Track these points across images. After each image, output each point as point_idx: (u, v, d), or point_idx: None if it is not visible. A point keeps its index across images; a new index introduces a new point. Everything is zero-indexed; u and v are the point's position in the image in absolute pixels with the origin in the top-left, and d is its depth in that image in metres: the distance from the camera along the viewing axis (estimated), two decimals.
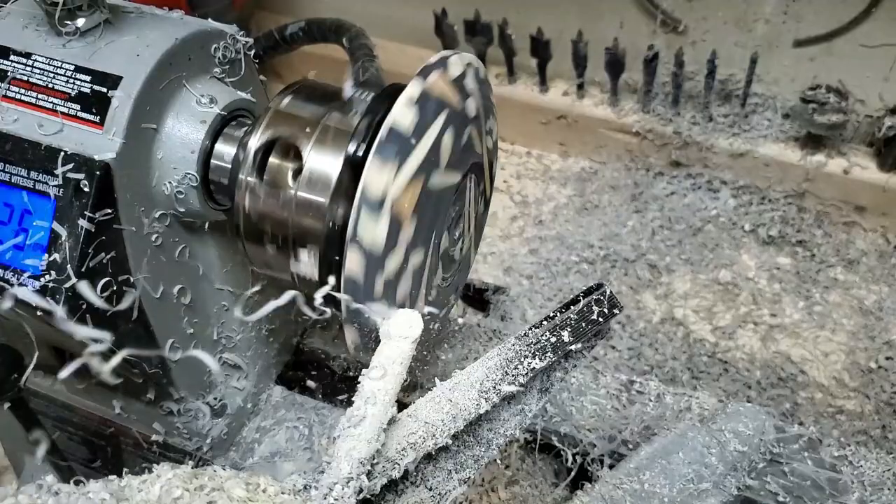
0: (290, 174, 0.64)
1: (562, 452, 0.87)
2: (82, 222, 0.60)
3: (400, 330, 0.57)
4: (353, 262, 0.59)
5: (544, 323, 0.64)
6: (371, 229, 0.59)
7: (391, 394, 0.54)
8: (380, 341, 0.59)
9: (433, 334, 0.77)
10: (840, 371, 1.42)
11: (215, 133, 0.68)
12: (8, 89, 0.64)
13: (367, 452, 0.52)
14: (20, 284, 0.61)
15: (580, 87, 1.78)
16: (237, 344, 0.84)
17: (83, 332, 0.54)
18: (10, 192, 0.62)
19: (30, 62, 0.64)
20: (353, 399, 0.54)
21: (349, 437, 0.52)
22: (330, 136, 0.64)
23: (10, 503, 0.45)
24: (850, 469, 0.81)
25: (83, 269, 0.61)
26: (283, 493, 0.50)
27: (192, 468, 0.49)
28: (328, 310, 0.58)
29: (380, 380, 0.54)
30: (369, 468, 0.52)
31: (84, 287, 0.60)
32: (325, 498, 0.50)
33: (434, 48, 1.79)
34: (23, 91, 0.64)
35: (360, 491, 0.51)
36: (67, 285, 0.60)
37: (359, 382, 0.55)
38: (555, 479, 0.93)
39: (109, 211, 0.62)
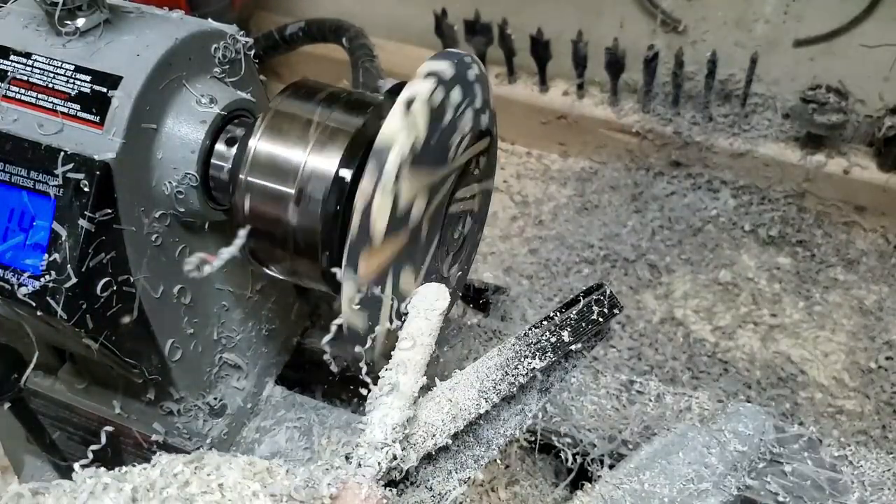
0: (290, 173, 0.64)
1: (562, 452, 0.87)
2: (82, 222, 0.60)
3: (427, 302, 0.57)
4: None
5: (544, 323, 0.63)
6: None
7: (421, 364, 0.55)
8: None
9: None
10: (840, 371, 1.42)
11: (215, 133, 0.68)
12: (8, 89, 0.64)
13: (399, 419, 0.52)
14: (20, 284, 0.61)
15: (580, 87, 1.78)
16: (237, 344, 0.84)
17: None
18: (10, 192, 0.62)
19: (30, 62, 0.64)
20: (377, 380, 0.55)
21: (382, 405, 0.53)
22: (330, 136, 0.64)
23: (15, 490, 0.46)
24: (850, 469, 0.81)
25: (83, 269, 0.61)
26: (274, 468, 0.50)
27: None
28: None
29: (410, 350, 0.54)
30: (402, 435, 0.53)
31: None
32: (359, 464, 0.50)
33: (434, 48, 1.79)
34: (23, 91, 0.64)
35: (394, 458, 0.52)
36: (67, 285, 0.60)
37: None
38: (555, 479, 0.93)
39: (109, 211, 0.62)
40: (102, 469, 0.48)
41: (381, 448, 0.51)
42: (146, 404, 0.81)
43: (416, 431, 0.57)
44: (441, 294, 0.58)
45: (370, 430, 0.52)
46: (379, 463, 0.51)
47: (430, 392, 0.60)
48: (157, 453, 0.50)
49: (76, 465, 0.48)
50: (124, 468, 0.49)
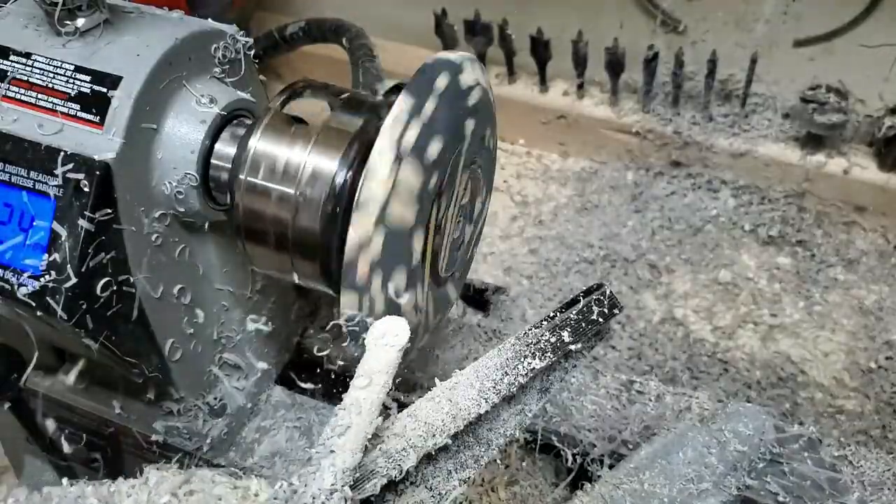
0: (290, 173, 0.64)
1: (562, 452, 0.87)
2: (82, 222, 0.60)
3: (386, 338, 0.56)
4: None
5: (544, 323, 0.64)
6: None
7: (376, 403, 0.53)
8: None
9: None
10: (840, 371, 1.42)
11: (215, 133, 0.68)
12: (8, 89, 0.64)
13: (351, 462, 0.50)
14: (20, 284, 0.61)
15: (580, 87, 1.78)
16: (237, 344, 0.84)
17: None
18: (10, 192, 0.62)
19: (30, 62, 0.64)
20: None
21: (333, 447, 0.51)
22: (330, 136, 0.64)
23: None
24: (850, 469, 0.81)
25: (83, 269, 0.61)
26: (275, 498, 0.49)
27: (179, 468, 0.49)
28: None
29: (364, 388, 0.53)
30: (352, 480, 0.51)
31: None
32: None
33: (434, 48, 1.79)
34: (23, 91, 0.64)
35: (345, 501, 0.50)
36: (67, 285, 0.60)
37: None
38: (555, 479, 0.93)
39: (109, 211, 0.62)
40: (90, 488, 0.47)
41: (331, 494, 0.49)
42: (146, 404, 0.81)
43: (416, 431, 0.57)
44: (401, 329, 0.56)
45: (320, 474, 0.50)
46: None
47: (429, 392, 0.60)
48: (147, 468, 0.49)
49: (64, 481, 0.47)
50: (112, 486, 0.48)
